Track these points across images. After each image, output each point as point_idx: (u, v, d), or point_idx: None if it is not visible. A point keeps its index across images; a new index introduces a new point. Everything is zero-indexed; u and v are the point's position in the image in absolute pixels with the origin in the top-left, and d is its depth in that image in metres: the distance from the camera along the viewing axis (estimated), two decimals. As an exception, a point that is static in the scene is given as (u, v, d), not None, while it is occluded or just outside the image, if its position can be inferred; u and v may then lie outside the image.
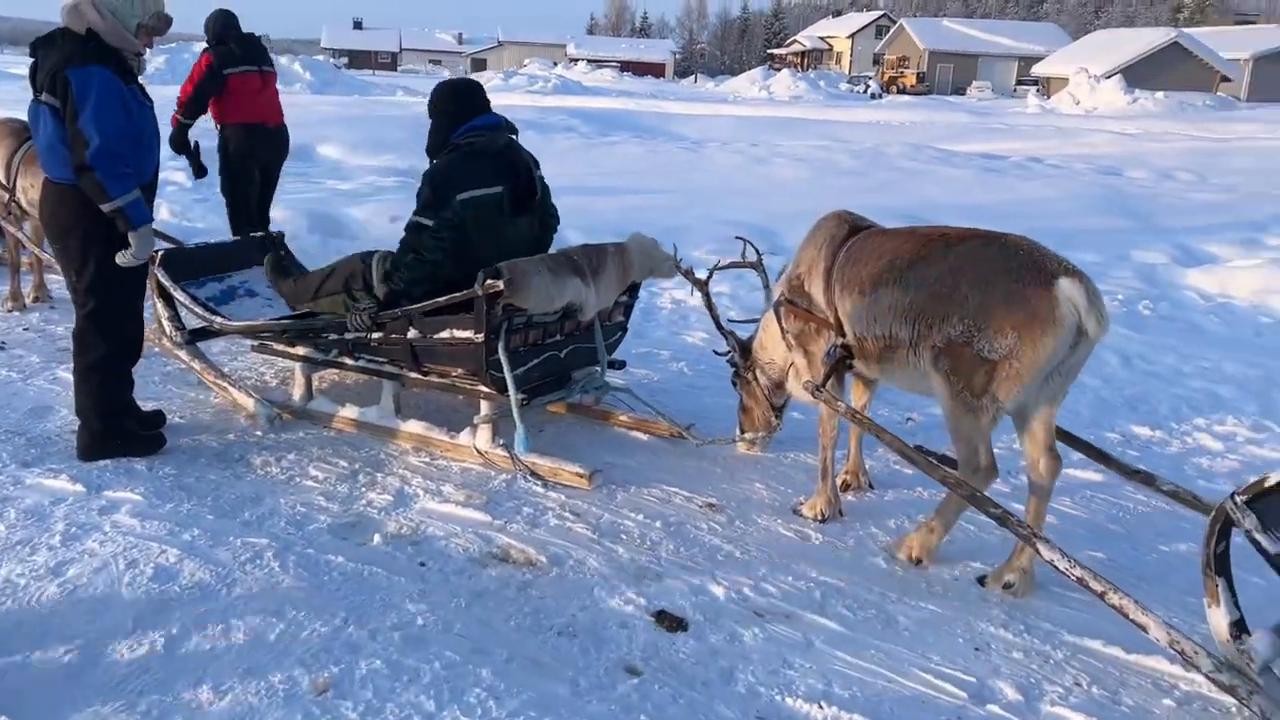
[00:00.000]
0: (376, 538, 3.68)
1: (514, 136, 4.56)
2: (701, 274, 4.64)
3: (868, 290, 3.59)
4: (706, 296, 4.52)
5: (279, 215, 8.72)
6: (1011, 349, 3.20)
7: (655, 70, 78.31)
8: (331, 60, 47.34)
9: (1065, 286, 3.17)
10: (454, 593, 3.34)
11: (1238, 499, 2.56)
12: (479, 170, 4.35)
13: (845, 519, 3.96)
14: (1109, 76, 40.64)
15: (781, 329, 4.08)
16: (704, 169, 13.62)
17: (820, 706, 2.83)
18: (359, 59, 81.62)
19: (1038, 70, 55.78)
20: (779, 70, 57.23)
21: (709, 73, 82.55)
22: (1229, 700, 2.80)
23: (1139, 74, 44.13)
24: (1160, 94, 37.92)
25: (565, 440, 4.64)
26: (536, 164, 4.66)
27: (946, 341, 3.33)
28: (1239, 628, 2.60)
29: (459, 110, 4.50)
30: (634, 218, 8.58)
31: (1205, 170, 15.03)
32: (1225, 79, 49.62)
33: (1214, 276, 8.18)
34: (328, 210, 9.58)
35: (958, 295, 3.30)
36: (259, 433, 4.61)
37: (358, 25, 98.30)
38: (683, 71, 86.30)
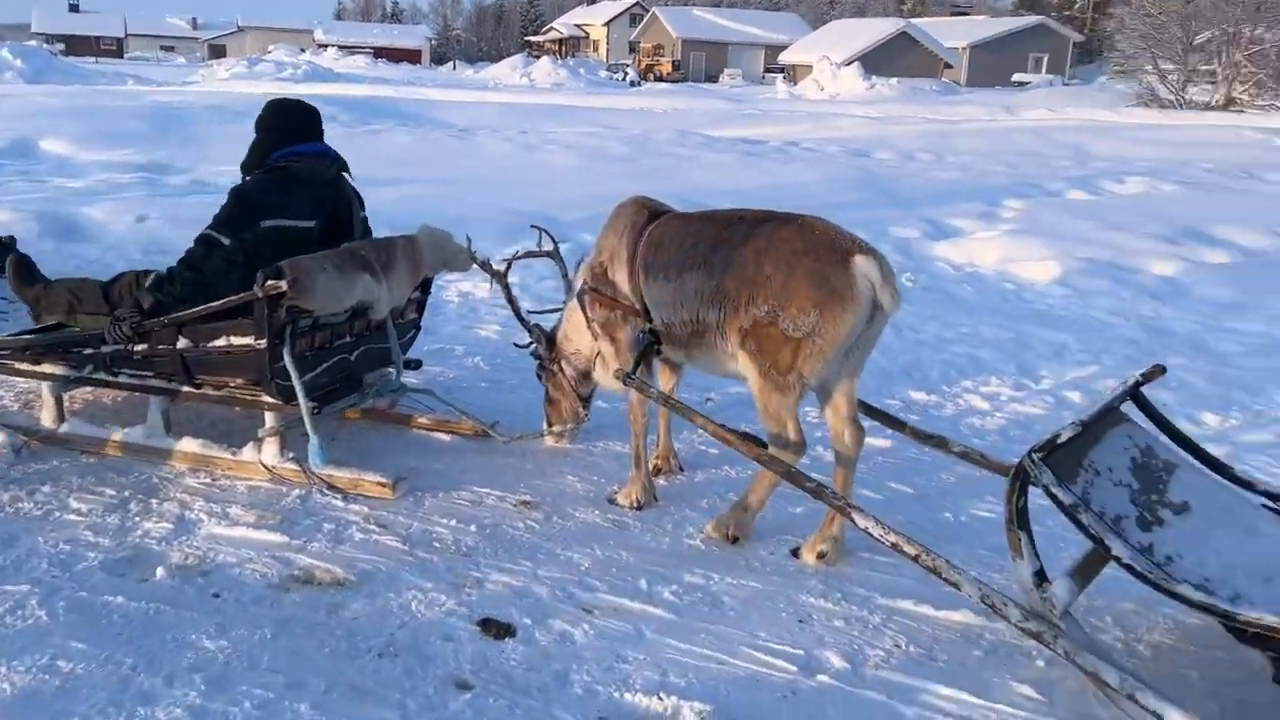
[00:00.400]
0: (160, 571, 3.32)
1: (345, 173, 4.26)
2: (498, 265, 4.50)
3: (673, 275, 3.60)
4: (506, 288, 4.39)
5: (3, 218, 7.79)
6: (814, 326, 3.29)
7: (411, 57, 76.23)
8: (45, 46, 42.99)
9: (860, 264, 3.29)
10: (257, 624, 3.06)
11: (1035, 456, 2.73)
12: (294, 199, 4.04)
13: (660, 504, 3.96)
14: (848, 64, 43.35)
15: (586, 318, 4.02)
16: (476, 157, 13.37)
17: (659, 698, 2.80)
18: (78, 45, 74.52)
19: (784, 58, 58.67)
20: (539, 57, 57.18)
21: (467, 59, 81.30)
22: (1031, 644, 3.00)
23: (874, 61, 47.34)
24: (894, 80, 40.85)
25: (363, 448, 4.38)
26: (362, 203, 4.38)
27: (753, 322, 3.38)
28: (1040, 577, 2.78)
29: (285, 131, 4.17)
30: (409, 209, 8.25)
31: (941, 150, 16.28)
32: (948, 65, 54.10)
33: (961, 248, 8.86)
34: (59, 210, 8.63)
35: (761, 277, 3.36)
36: (3, 465, 4.07)
37: (74, 8, 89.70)
38: (439, 58, 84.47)
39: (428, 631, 3.07)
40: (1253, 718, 2.73)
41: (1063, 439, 2.76)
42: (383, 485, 3.91)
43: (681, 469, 4.30)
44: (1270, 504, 3.12)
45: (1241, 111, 31.15)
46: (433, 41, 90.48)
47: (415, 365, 4.71)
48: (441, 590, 3.29)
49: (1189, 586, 2.54)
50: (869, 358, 3.57)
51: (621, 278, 3.84)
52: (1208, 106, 32.43)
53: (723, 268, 3.45)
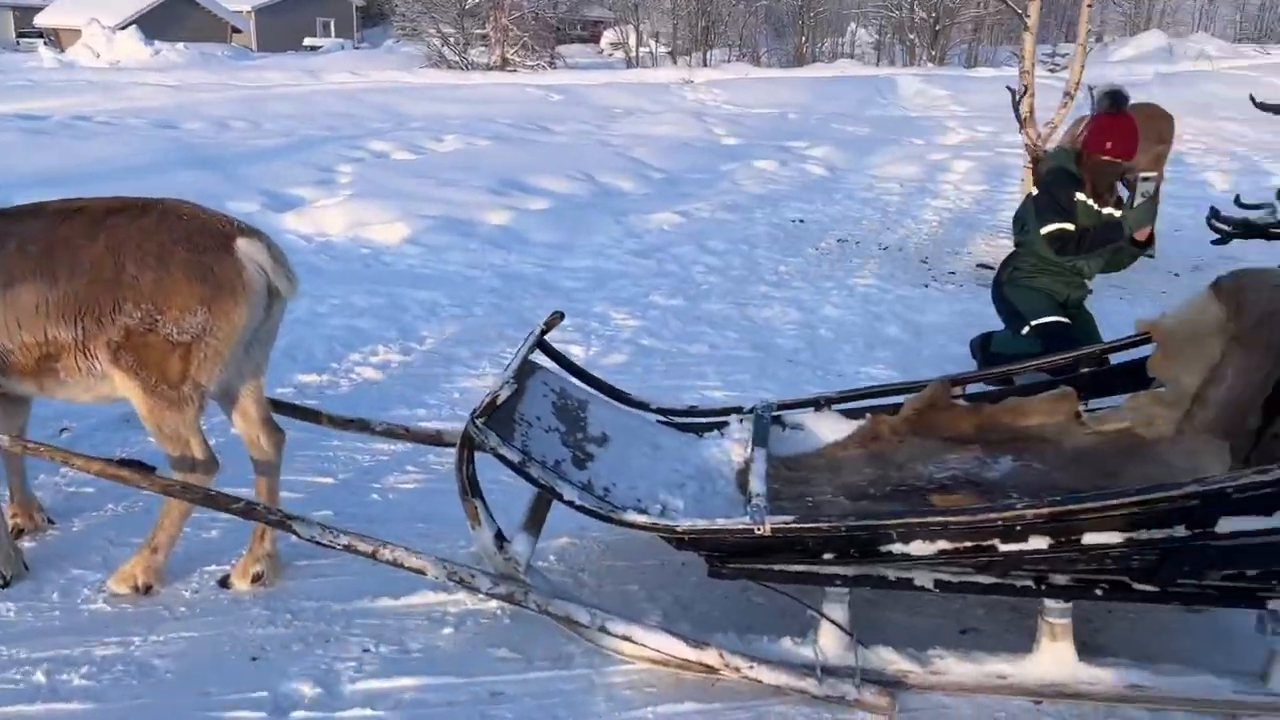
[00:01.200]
0: None
1: None
2: None
3: (0, 290, 2.84)
4: None
5: None
6: (204, 326, 2.86)
7: None
8: None
9: (245, 248, 2.94)
10: None
11: (478, 422, 2.68)
12: None
13: (33, 572, 3.18)
14: (124, 28, 39.35)
15: None
16: None
17: (105, 814, 2.26)
18: None
19: (41, 21, 51.16)
20: None
21: None
22: (495, 605, 3.01)
23: (154, 25, 43.46)
24: (181, 45, 38.08)
25: None
26: None
27: (125, 333, 2.83)
28: (500, 538, 2.77)
29: None
30: None
31: (257, 118, 15.58)
32: (236, 30, 51.95)
33: (307, 218, 8.57)
34: None
35: (126, 278, 2.82)
36: None
37: None
38: None
39: None
40: (689, 612, 3.06)
41: (501, 399, 2.75)
42: None
43: (51, 521, 3.50)
44: (662, 418, 3.51)
45: (515, 71, 34.90)
46: None
47: None
48: None
49: (633, 512, 2.72)
50: (272, 351, 3.22)
51: (-81, 301, 2.93)
52: (489, 67, 35.69)
53: (70, 273, 2.82)
